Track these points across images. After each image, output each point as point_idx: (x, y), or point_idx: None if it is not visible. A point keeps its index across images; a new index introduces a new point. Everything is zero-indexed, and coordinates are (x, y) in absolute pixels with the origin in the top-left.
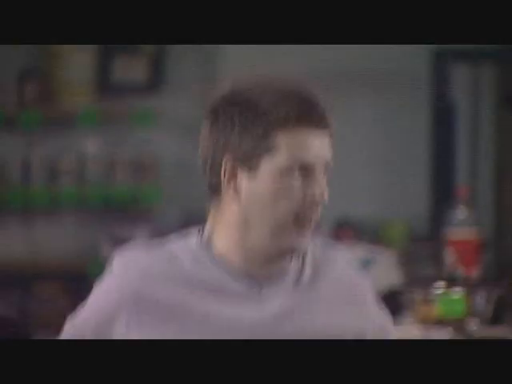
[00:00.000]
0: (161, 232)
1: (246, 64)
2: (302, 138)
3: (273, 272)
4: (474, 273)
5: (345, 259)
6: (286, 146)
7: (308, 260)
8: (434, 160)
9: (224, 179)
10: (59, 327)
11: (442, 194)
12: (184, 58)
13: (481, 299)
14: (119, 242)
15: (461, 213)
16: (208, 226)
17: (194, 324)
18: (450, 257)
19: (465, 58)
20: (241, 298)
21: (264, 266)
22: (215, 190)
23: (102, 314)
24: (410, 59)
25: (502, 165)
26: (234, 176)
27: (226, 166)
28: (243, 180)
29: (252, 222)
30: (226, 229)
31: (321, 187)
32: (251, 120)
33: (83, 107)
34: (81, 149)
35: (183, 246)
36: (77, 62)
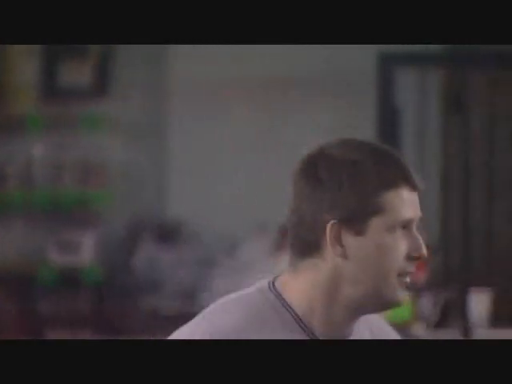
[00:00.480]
0: (108, 236)
1: (192, 67)
2: (404, 198)
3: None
4: (421, 277)
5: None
6: (391, 206)
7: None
8: None
9: (328, 238)
10: (5, 329)
11: None
12: (130, 61)
13: (427, 303)
14: (66, 245)
15: None
16: (282, 286)
17: None
18: None
19: (411, 61)
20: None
21: (342, 330)
22: (310, 250)
23: None
24: (356, 62)
25: (448, 168)
26: (339, 236)
27: (332, 227)
28: (349, 238)
29: (353, 280)
30: (312, 288)
31: (421, 242)
32: (360, 181)
33: (30, 111)
34: (28, 153)
35: (269, 301)
36: (23, 66)
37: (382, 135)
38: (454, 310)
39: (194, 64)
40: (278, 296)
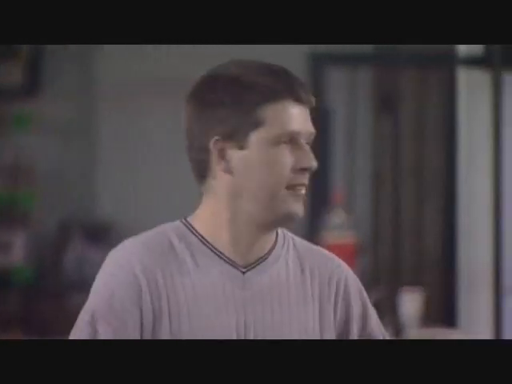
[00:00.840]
0: (38, 236)
1: (122, 65)
2: (288, 110)
3: (254, 257)
4: None
5: (326, 253)
6: (274, 119)
7: (290, 249)
8: None
9: (214, 157)
10: None
11: (318, 197)
12: (60, 61)
13: None
14: None
15: (337, 217)
16: (193, 216)
17: (183, 302)
18: None
19: (341, 61)
20: (224, 277)
21: (249, 246)
22: (203, 171)
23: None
24: (286, 62)
25: (378, 169)
26: (223, 152)
27: (215, 143)
28: (233, 154)
29: (246, 195)
30: (214, 209)
31: (308, 154)
32: (239, 95)
33: None
34: None
35: (171, 228)
36: None
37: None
38: (384, 310)
39: (124, 64)
40: (186, 223)
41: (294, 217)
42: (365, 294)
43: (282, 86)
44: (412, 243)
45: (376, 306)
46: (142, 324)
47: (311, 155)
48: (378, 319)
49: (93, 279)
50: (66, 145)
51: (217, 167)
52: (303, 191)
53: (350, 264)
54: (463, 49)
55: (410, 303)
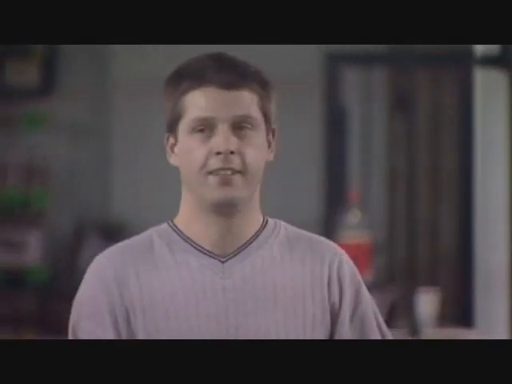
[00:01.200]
0: (53, 235)
1: (136, 64)
2: (202, 97)
3: (234, 245)
4: (367, 276)
5: (319, 238)
6: (189, 107)
7: (280, 235)
8: (326, 163)
9: (168, 152)
10: None
11: (335, 197)
12: (75, 60)
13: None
14: (10, 246)
15: (353, 217)
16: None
17: (159, 298)
18: None
19: (356, 61)
20: (204, 269)
21: (223, 235)
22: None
23: (103, 320)
24: (302, 62)
25: (393, 168)
26: (172, 146)
27: (167, 139)
28: (175, 147)
29: (186, 185)
30: (183, 204)
31: (222, 138)
32: (173, 87)
33: None
34: None
35: (155, 229)
36: None
37: (329, 135)
38: (401, 310)
39: (138, 63)
40: (170, 222)
41: (220, 201)
42: (358, 277)
43: (204, 72)
44: (428, 243)
45: (392, 306)
46: (116, 324)
47: (226, 139)
48: (374, 308)
49: None
50: (80, 144)
51: (170, 161)
52: (227, 174)
53: (366, 263)
54: (479, 48)
55: (426, 303)
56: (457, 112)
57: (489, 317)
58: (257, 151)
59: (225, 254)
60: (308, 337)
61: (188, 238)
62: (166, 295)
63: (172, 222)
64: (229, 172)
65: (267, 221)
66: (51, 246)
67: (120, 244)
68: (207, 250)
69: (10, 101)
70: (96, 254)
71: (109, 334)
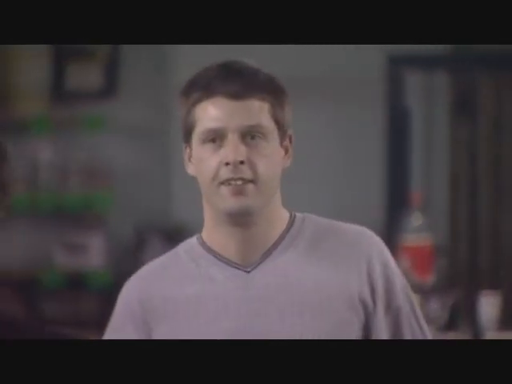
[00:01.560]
0: (114, 238)
1: (198, 66)
2: (212, 107)
3: (257, 253)
4: (429, 279)
5: (352, 228)
6: (201, 118)
7: (307, 233)
8: (388, 166)
9: (185, 162)
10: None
11: (397, 200)
12: (137, 63)
13: (435, 305)
14: (72, 249)
15: (415, 219)
16: None
17: (181, 313)
18: (404, 263)
19: (419, 63)
20: (227, 281)
21: (244, 244)
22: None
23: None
24: (364, 64)
25: (455, 171)
26: (189, 156)
27: (184, 148)
28: (192, 158)
29: (204, 195)
30: (205, 215)
31: (231, 149)
32: (183, 99)
33: (36, 113)
34: (34, 155)
35: (184, 244)
36: (31, 69)
37: (391, 137)
38: (462, 313)
39: (200, 65)
40: (197, 235)
41: (233, 211)
42: (392, 269)
43: (212, 83)
44: (490, 245)
45: (453, 309)
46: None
47: (235, 149)
48: (412, 303)
49: None
50: (141, 147)
51: (188, 171)
52: (238, 184)
53: (428, 267)
54: None
55: (488, 306)
56: None
57: None
58: (269, 160)
59: (249, 263)
60: (337, 338)
61: (212, 250)
62: (189, 312)
63: (200, 234)
64: (240, 182)
65: (294, 220)
66: (113, 249)
67: (147, 265)
68: (231, 261)
69: (73, 103)
70: (157, 257)
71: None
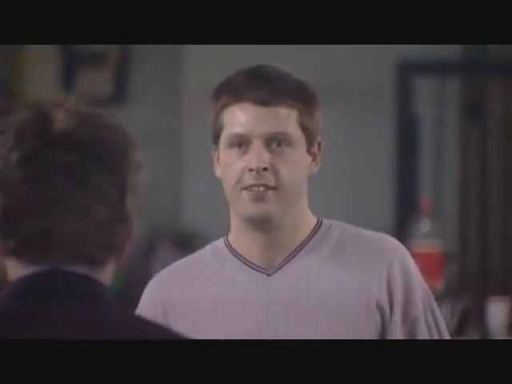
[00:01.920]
0: None
1: (208, 74)
2: (240, 112)
3: (280, 257)
4: (438, 285)
5: (378, 235)
6: (228, 122)
7: (332, 239)
8: (398, 172)
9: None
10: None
11: (407, 206)
12: (147, 68)
13: (445, 311)
14: None
15: (425, 225)
16: None
17: (202, 314)
18: None
19: (429, 70)
20: (249, 284)
21: (267, 248)
22: None
23: None
24: (374, 71)
25: (465, 177)
26: (218, 158)
27: (213, 151)
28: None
29: (228, 199)
30: (231, 218)
31: (255, 155)
32: (213, 103)
33: None
34: None
35: (211, 245)
36: (40, 75)
37: (401, 144)
38: (471, 319)
39: (210, 71)
40: (224, 238)
41: (253, 217)
42: (413, 278)
43: (240, 88)
44: (499, 251)
45: (463, 314)
46: None
47: (259, 155)
48: (434, 312)
49: None
50: (152, 152)
51: (216, 173)
52: (260, 191)
53: (437, 273)
54: None
55: (498, 312)
56: None
57: None
58: (294, 167)
59: (272, 266)
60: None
61: (237, 252)
62: (209, 313)
63: (226, 237)
64: (262, 188)
65: (320, 225)
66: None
67: (172, 265)
68: (254, 264)
69: None
70: (168, 263)
71: None
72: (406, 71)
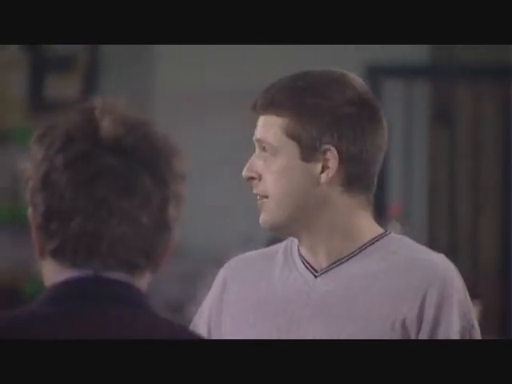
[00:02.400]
0: None
1: (178, 78)
2: (255, 120)
3: (328, 261)
4: None
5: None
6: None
7: (382, 253)
8: None
9: None
10: None
11: (375, 210)
12: (116, 72)
13: None
14: None
15: (393, 229)
16: None
17: (251, 306)
18: None
19: (397, 73)
20: (297, 283)
21: (316, 250)
22: None
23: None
24: None
25: (434, 181)
26: None
27: None
28: None
29: None
30: None
31: (248, 163)
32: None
33: (17, 124)
34: (15, 166)
35: (287, 240)
36: (9, 80)
37: None
38: None
39: (181, 75)
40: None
41: (261, 225)
42: (451, 304)
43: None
44: (468, 255)
45: None
46: (210, 318)
47: (250, 163)
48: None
49: (150, 292)
50: None
51: None
52: (258, 200)
53: None
54: None
55: None
56: (497, 125)
57: None
58: (278, 176)
59: (320, 268)
60: None
61: (300, 253)
62: (253, 304)
63: None
64: (258, 197)
65: (382, 237)
66: None
67: (248, 252)
68: (309, 265)
69: (51, 114)
70: None
71: (203, 327)
72: (375, 74)
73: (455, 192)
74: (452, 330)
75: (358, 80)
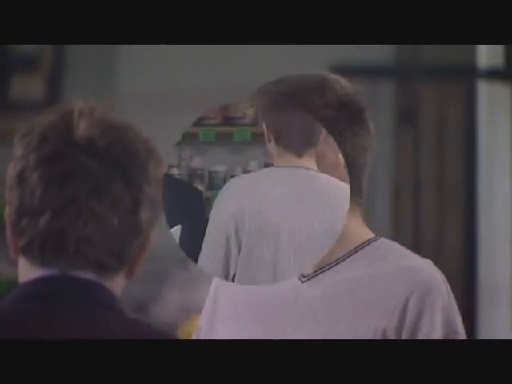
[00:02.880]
0: None
1: (143, 79)
2: None
3: (315, 267)
4: None
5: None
6: None
7: (369, 259)
8: None
9: None
10: None
11: None
12: (81, 76)
13: None
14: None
15: None
16: None
17: (234, 306)
18: None
19: (360, 73)
20: (286, 288)
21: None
22: None
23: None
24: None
25: (398, 181)
26: None
27: None
28: None
29: None
30: None
31: None
32: None
33: None
34: None
35: None
36: None
37: None
38: None
39: (145, 76)
40: None
41: None
42: (434, 310)
43: None
44: (432, 256)
45: None
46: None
47: None
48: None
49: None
50: None
51: None
52: None
53: None
54: (484, 62)
55: None
56: (461, 125)
57: (492, 331)
58: None
59: (307, 274)
60: None
61: None
62: (243, 307)
63: None
64: None
65: (370, 242)
66: None
67: None
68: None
69: (15, 114)
70: None
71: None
72: (339, 73)
73: (419, 192)
74: (434, 336)
75: (340, 82)
